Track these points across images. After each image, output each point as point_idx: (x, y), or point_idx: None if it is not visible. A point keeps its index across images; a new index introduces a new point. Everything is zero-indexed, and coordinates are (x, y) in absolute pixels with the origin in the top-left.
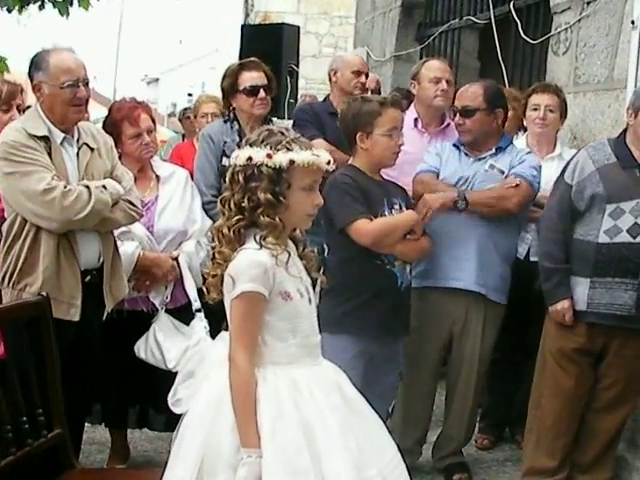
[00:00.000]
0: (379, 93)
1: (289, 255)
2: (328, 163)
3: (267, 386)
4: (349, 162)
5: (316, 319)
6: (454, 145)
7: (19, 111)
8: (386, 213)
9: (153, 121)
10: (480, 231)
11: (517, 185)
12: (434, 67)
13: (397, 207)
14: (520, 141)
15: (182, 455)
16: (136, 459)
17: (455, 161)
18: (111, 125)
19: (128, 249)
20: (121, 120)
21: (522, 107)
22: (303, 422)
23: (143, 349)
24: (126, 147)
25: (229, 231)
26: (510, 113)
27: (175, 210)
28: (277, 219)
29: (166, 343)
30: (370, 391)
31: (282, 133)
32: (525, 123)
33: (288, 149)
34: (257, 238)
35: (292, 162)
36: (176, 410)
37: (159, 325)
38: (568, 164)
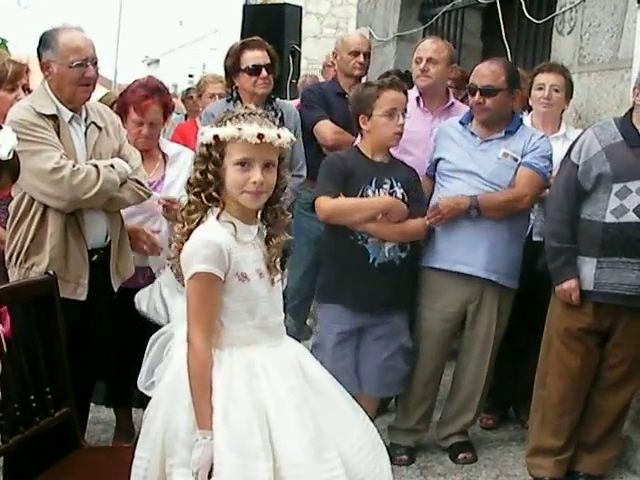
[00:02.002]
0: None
1: (255, 233)
2: (259, 137)
3: (222, 368)
4: (355, 143)
5: (280, 299)
6: (460, 122)
7: (24, 91)
8: (369, 192)
9: (166, 109)
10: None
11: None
12: (419, 47)
13: (386, 187)
14: (525, 121)
15: (144, 435)
16: None
17: (462, 142)
18: (120, 105)
19: None
20: (129, 104)
21: (528, 86)
22: (257, 404)
23: (145, 302)
24: (128, 129)
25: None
26: None
27: (180, 191)
28: (206, 196)
29: (170, 300)
30: (362, 363)
31: (234, 111)
32: (530, 102)
33: (223, 124)
34: (215, 215)
35: (216, 137)
36: (148, 393)
37: (165, 280)
38: (574, 144)
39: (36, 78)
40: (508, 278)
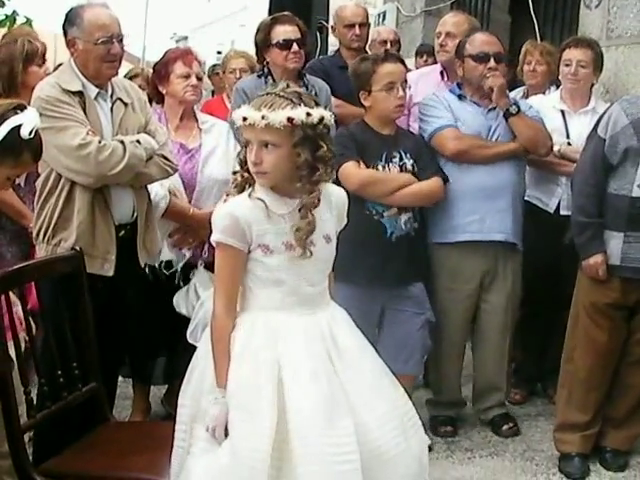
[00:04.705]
0: (399, 44)
1: (295, 205)
2: (243, 119)
3: (243, 329)
4: (363, 117)
5: (319, 270)
6: (458, 95)
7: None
8: (380, 167)
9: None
10: (514, 180)
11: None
12: (441, 21)
13: (396, 160)
14: (554, 95)
15: (185, 384)
16: (158, 414)
17: (473, 112)
18: (162, 64)
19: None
20: (174, 59)
21: (557, 61)
22: (271, 361)
23: (184, 305)
24: (172, 86)
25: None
26: (544, 67)
27: (219, 159)
28: (241, 174)
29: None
30: (386, 341)
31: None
32: (560, 77)
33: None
34: (248, 192)
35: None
36: (192, 341)
37: (199, 280)
38: (601, 118)
39: (61, 56)
40: (519, 239)
